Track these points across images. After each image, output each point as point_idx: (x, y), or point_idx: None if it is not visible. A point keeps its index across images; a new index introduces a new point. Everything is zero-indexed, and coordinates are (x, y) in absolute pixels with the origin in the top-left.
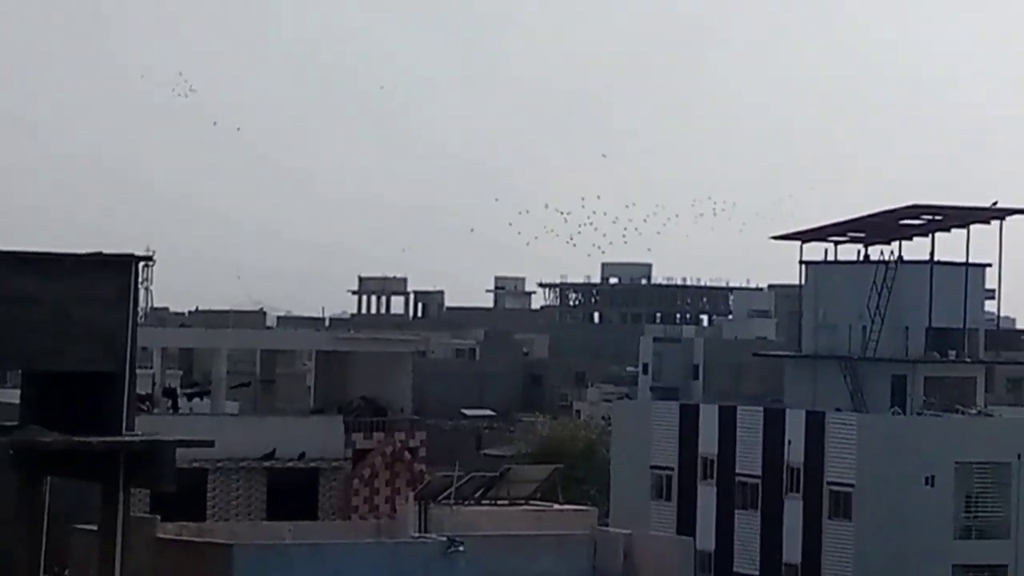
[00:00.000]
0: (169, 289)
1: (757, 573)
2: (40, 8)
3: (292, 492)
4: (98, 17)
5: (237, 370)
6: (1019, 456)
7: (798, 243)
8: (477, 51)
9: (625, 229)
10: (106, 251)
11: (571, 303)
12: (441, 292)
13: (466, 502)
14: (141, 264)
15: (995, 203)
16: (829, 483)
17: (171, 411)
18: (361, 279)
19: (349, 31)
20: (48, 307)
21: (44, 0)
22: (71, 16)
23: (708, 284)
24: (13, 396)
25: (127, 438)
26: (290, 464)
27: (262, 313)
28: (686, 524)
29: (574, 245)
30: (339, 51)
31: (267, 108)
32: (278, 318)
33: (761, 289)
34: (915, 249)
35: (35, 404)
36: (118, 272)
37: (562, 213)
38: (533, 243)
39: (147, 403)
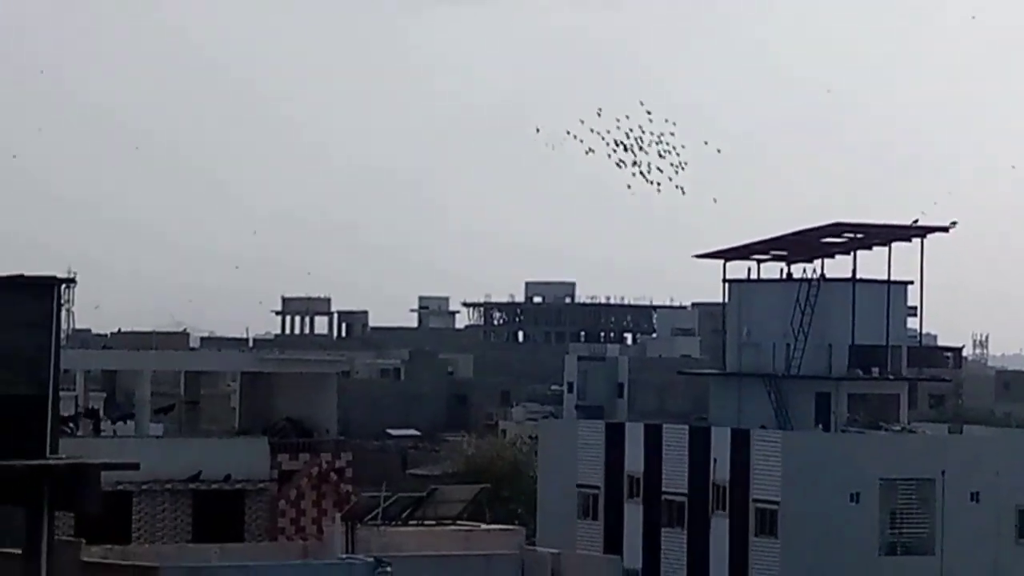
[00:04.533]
0: (89, 310)
1: None
2: None
3: (218, 514)
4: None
5: (161, 391)
6: (942, 472)
7: (721, 261)
8: (396, 64)
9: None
10: (27, 273)
11: (495, 322)
12: (365, 312)
13: (393, 523)
14: (63, 286)
15: (916, 221)
16: (755, 500)
17: (94, 434)
18: (284, 299)
19: (260, 41)
20: None
21: None
22: None
23: (632, 303)
24: None
25: (51, 461)
26: (215, 486)
27: (185, 334)
28: (613, 543)
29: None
30: (254, 62)
31: (186, 121)
32: (201, 339)
33: (685, 307)
34: (837, 267)
35: None
36: (40, 294)
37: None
38: (456, 262)
39: (70, 426)
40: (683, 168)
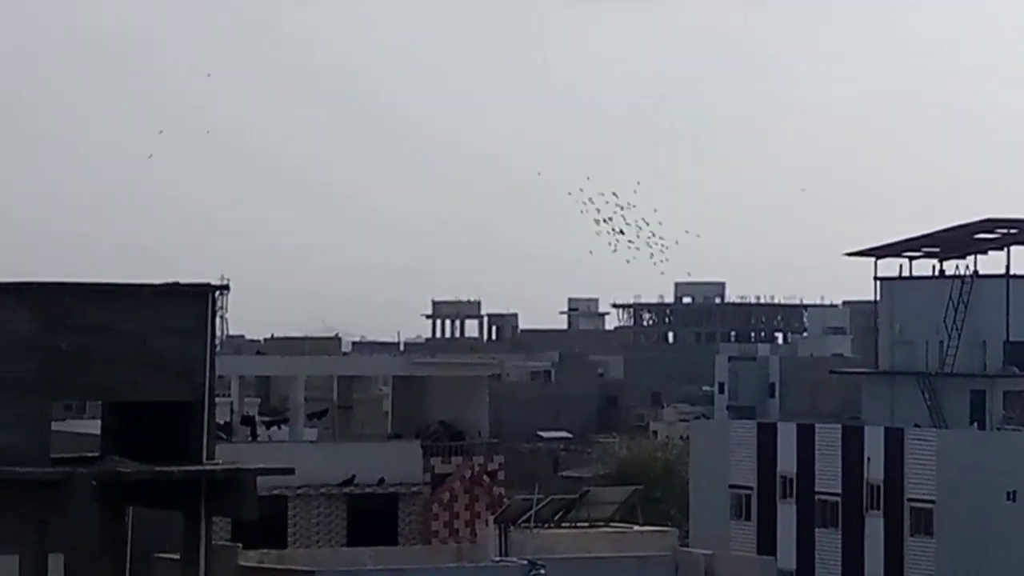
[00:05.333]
0: (243, 317)
1: None
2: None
3: (372, 518)
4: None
5: (314, 397)
6: None
7: (872, 259)
8: (528, 67)
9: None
10: (182, 281)
11: (645, 323)
12: (515, 315)
13: (546, 525)
14: (217, 293)
15: None
16: (910, 500)
17: (250, 439)
18: (435, 303)
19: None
20: (127, 338)
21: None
22: (121, 53)
23: (782, 302)
24: (94, 427)
25: (208, 467)
26: (369, 490)
27: (337, 339)
28: (766, 543)
29: (659, 264)
30: (391, 78)
31: (328, 134)
32: (353, 344)
33: (836, 306)
34: (990, 263)
35: (116, 434)
36: (195, 302)
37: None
38: (607, 263)
39: (226, 432)
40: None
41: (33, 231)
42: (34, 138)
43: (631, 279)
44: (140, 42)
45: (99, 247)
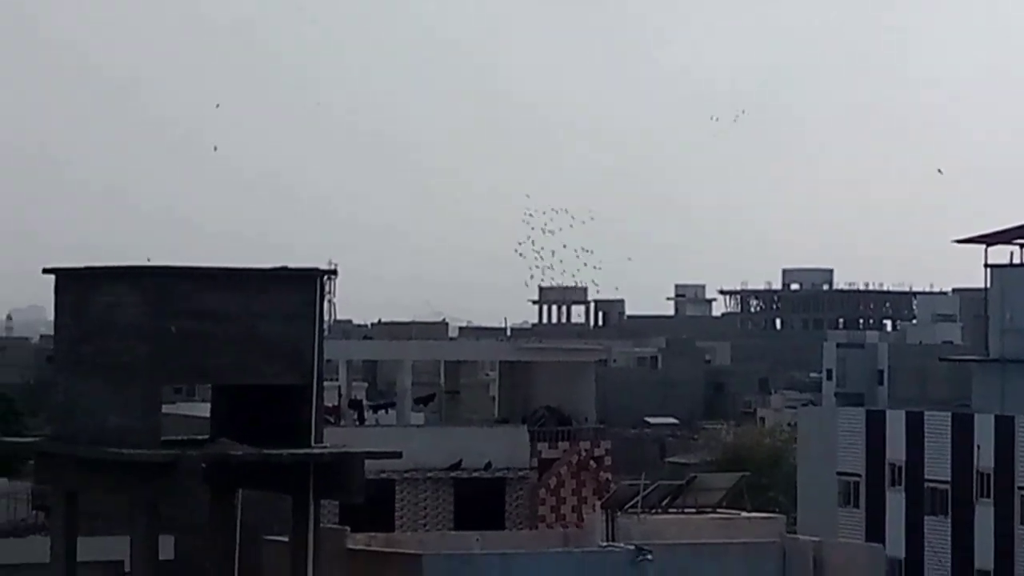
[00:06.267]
0: (351, 302)
1: None
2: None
3: (479, 502)
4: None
5: (420, 381)
6: None
7: (982, 246)
8: (643, 58)
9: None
10: (291, 266)
11: (752, 309)
12: (621, 300)
13: (653, 510)
14: (325, 278)
15: None
16: (1020, 488)
17: (357, 423)
18: (541, 289)
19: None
20: (236, 322)
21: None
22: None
23: (891, 289)
24: (204, 410)
25: (316, 450)
26: (476, 474)
27: (444, 324)
28: (875, 531)
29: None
30: (507, 65)
31: (444, 120)
32: (460, 329)
33: (945, 293)
34: None
35: (225, 418)
36: (304, 286)
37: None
38: (713, 249)
39: (334, 415)
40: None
41: (145, 215)
42: (149, 124)
43: (737, 265)
44: (251, 28)
45: (210, 232)
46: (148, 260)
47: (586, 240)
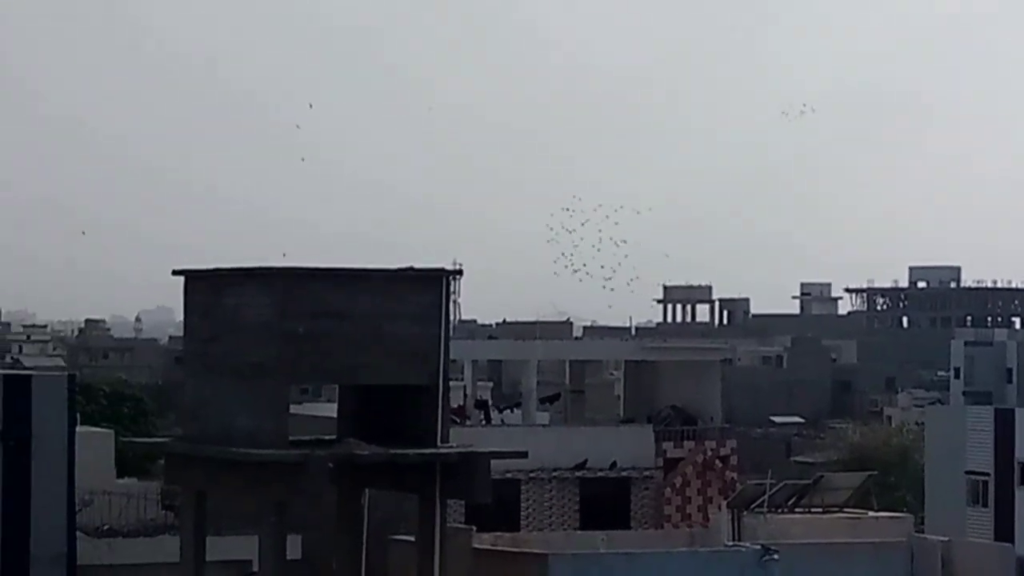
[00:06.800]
0: (475, 302)
1: None
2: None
3: (605, 501)
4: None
5: (545, 381)
6: None
7: None
8: (747, 54)
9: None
10: (417, 266)
11: (879, 307)
12: (746, 299)
13: (779, 510)
14: (450, 278)
15: None
16: None
17: (483, 423)
18: (666, 288)
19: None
20: (363, 322)
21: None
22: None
23: (1019, 286)
24: (331, 410)
25: (442, 450)
26: (602, 474)
27: (569, 323)
28: (1004, 530)
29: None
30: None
31: (565, 128)
32: (584, 328)
33: None
34: None
35: (352, 418)
36: (429, 286)
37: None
38: (839, 248)
39: (460, 415)
40: None
41: (272, 219)
42: (273, 132)
43: (864, 263)
44: (378, 35)
45: (337, 234)
46: (284, 256)
47: (711, 241)
